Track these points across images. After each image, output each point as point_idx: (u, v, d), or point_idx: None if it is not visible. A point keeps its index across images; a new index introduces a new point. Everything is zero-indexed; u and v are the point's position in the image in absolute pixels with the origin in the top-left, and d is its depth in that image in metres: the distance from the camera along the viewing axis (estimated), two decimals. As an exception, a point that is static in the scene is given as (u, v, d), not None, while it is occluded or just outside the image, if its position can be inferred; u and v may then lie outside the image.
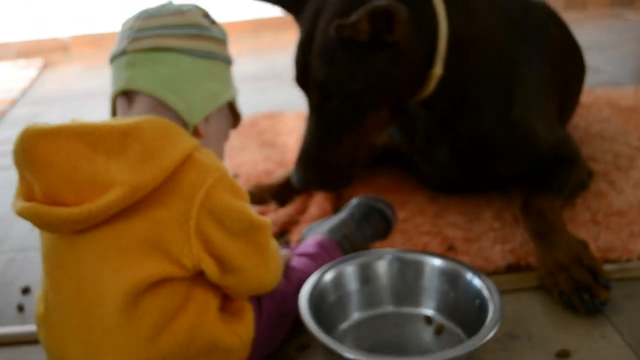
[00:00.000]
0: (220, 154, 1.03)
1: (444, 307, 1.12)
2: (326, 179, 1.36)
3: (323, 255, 1.16)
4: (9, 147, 0.87)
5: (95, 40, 3.30)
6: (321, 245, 1.18)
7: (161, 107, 0.93)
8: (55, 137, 0.83)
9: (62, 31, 3.30)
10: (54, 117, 2.40)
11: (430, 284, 1.13)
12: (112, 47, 1.00)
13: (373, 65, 1.22)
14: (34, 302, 1.28)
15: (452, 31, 1.26)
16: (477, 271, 1.09)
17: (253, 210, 0.90)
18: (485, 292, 1.04)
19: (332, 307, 1.10)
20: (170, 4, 1.00)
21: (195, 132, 0.96)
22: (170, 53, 0.94)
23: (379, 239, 1.28)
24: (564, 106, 1.55)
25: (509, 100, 1.36)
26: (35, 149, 0.82)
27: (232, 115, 1.06)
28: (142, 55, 0.94)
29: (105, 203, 0.80)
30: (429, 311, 1.13)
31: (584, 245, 1.20)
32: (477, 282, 1.07)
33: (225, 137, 1.05)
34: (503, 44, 1.36)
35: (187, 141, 0.87)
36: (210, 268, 0.87)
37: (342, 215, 1.26)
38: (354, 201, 1.29)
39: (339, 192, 1.54)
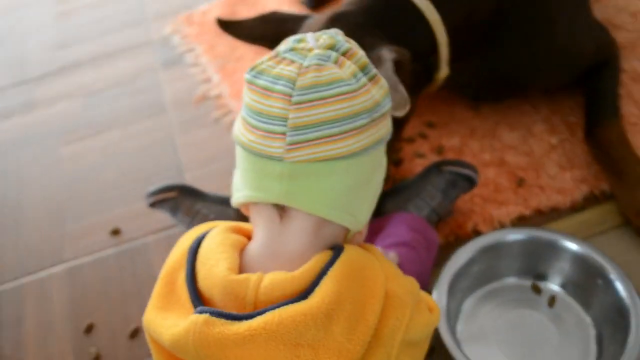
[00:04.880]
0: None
1: (568, 286, 0.94)
2: None
3: (419, 240, 0.92)
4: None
5: None
6: (413, 228, 0.93)
7: (324, 222, 0.60)
8: (249, 343, 0.54)
9: None
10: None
11: (557, 264, 0.94)
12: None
13: None
14: None
15: (454, 33, 1.01)
16: (614, 265, 0.89)
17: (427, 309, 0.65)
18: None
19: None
20: (335, 45, 0.59)
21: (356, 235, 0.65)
22: (339, 162, 0.58)
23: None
24: None
25: (548, 26, 1.08)
26: (219, 356, 0.54)
27: None
28: (304, 167, 0.57)
29: None
30: (554, 287, 0.94)
31: None
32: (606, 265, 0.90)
33: None
34: None
35: (379, 277, 0.58)
36: None
37: (425, 186, 0.98)
38: (434, 169, 1.00)
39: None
